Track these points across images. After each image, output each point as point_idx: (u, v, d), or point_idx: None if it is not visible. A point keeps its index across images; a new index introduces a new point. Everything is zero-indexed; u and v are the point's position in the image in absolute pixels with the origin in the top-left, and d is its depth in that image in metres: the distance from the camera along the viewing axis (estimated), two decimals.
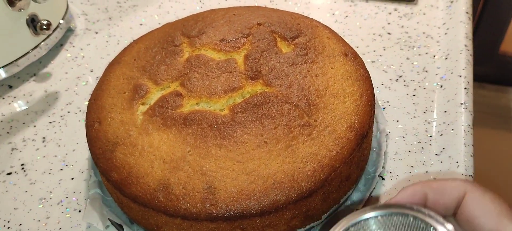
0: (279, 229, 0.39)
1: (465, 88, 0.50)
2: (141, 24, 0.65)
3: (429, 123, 0.48)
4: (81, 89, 0.57)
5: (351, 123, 0.40)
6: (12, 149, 0.51)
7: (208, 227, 0.37)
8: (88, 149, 0.45)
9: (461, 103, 0.49)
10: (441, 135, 0.47)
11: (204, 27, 0.49)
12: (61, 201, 0.46)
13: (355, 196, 0.43)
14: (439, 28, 0.59)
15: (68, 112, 0.54)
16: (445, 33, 0.58)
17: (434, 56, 0.55)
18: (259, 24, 0.49)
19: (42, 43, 0.59)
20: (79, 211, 0.45)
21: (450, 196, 0.29)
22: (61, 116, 0.54)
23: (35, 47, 0.58)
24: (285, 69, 0.44)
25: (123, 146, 0.40)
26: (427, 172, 0.44)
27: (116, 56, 0.49)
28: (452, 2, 0.62)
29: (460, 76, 0.52)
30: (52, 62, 0.61)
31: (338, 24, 0.61)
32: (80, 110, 0.54)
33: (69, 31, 0.64)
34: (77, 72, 0.59)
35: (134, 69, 0.46)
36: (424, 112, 0.49)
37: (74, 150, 0.50)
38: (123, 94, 0.44)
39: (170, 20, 0.53)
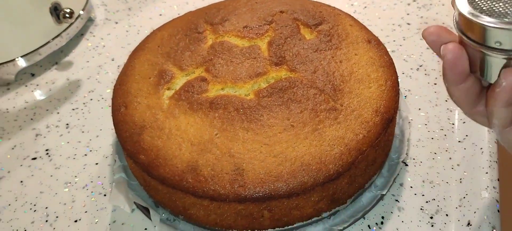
0: (305, 212, 0.39)
1: None
2: (160, 15, 0.65)
3: (451, 111, 0.49)
4: (102, 77, 0.57)
5: (377, 107, 0.40)
6: (37, 135, 0.51)
7: (235, 209, 0.38)
8: (113, 133, 0.46)
9: None
10: (464, 122, 0.47)
11: (226, 15, 0.49)
12: (86, 185, 0.46)
13: (379, 181, 0.43)
14: None
15: (91, 99, 0.54)
16: None
17: None
18: (281, 11, 0.49)
19: (63, 33, 0.60)
20: (104, 195, 0.45)
21: None
22: (84, 103, 0.54)
23: (57, 36, 0.59)
24: (309, 55, 0.44)
25: (150, 129, 0.41)
26: (450, 158, 0.44)
27: (140, 43, 0.50)
28: None
29: None
30: (73, 51, 0.61)
31: (357, 14, 0.61)
32: (102, 98, 0.54)
33: (90, 21, 0.65)
34: (98, 61, 0.59)
35: (158, 56, 0.47)
36: (446, 100, 0.50)
37: (97, 136, 0.50)
38: (148, 79, 0.45)
39: (189, 10, 0.53)
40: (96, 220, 0.43)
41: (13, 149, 0.50)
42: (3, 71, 0.56)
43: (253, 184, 0.37)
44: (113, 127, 0.43)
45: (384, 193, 0.42)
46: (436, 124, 0.47)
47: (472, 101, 0.31)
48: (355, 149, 0.38)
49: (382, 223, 0.41)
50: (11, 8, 0.54)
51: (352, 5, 0.63)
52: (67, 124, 0.52)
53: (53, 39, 0.59)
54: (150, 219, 0.41)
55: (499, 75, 0.29)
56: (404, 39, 0.57)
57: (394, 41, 0.57)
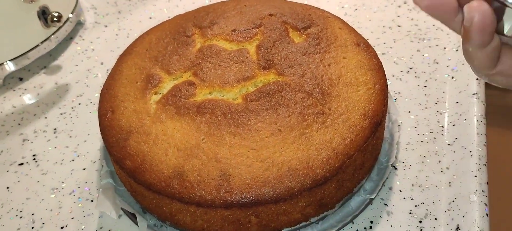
0: (293, 217, 0.39)
1: (477, 79, 0.50)
2: (150, 18, 0.65)
3: (441, 113, 0.48)
4: (91, 81, 0.57)
5: (365, 111, 0.40)
6: (24, 140, 0.51)
7: (222, 215, 0.37)
8: (101, 138, 0.46)
9: (474, 94, 0.49)
10: (454, 125, 0.47)
11: (215, 18, 0.49)
12: (73, 191, 0.46)
13: (368, 185, 0.43)
14: None
15: (79, 104, 0.54)
16: None
17: (445, 48, 0.55)
18: (270, 15, 0.49)
19: (52, 36, 0.59)
20: (91, 201, 0.45)
21: None
22: (72, 108, 0.54)
23: (45, 40, 0.59)
24: (297, 58, 0.44)
25: (136, 134, 0.40)
26: (439, 161, 0.44)
27: (128, 47, 0.50)
28: None
29: None
30: (62, 55, 0.61)
31: (348, 17, 0.61)
32: (91, 102, 0.54)
33: (79, 24, 0.65)
34: (87, 64, 0.59)
35: (146, 60, 0.46)
36: (436, 103, 0.49)
37: (85, 141, 0.50)
38: (136, 84, 0.44)
39: (179, 14, 0.53)
40: (83, 227, 0.43)
41: (0, 154, 0.50)
42: None
43: (240, 189, 0.36)
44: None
45: (373, 197, 0.41)
46: (425, 127, 0.47)
47: (495, 61, 0.28)
48: (343, 153, 0.38)
49: (371, 227, 0.40)
50: None
51: (342, 7, 0.63)
52: (54, 129, 0.52)
53: (41, 42, 0.58)
54: (137, 225, 0.41)
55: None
56: (394, 42, 0.57)
57: (384, 43, 0.57)
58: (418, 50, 0.56)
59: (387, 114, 0.48)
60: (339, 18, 0.49)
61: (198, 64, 0.45)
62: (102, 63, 0.59)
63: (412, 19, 0.60)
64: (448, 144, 0.45)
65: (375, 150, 0.43)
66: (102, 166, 0.46)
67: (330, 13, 0.50)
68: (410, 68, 0.53)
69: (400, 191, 0.43)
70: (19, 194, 0.46)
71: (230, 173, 0.37)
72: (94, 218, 0.43)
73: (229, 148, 0.38)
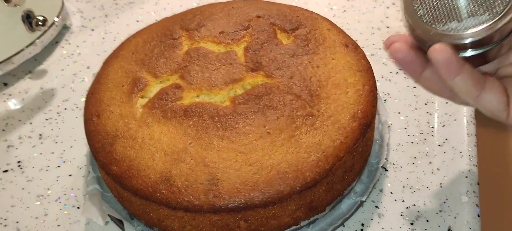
0: (283, 221, 0.38)
1: None
2: (137, 21, 0.64)
3: (430, 114, 0.48)
4: (77, 86, 0.56)
5: (354, 113, 0.39)
6: (8, 146, 0.50)
7: (210, 219, 0.37)
8: (87, 144, 0.45)
9: None
10: (443, 125, 0.47)
11: (202, 20, 0.48)
12: (59, 198, 0.45)
13: (359, 187, 0.42)
14: None
15: (65, 109, 0.53)
16: None
17: None
18: (258, 16, 0.48)
19: (37, 41, 0.58)
20: (78, 208, 0.44)
21: None
22: (58, 113, 0.53)
23: (30, 44, 0.58)
24: (286, 60, 0.43)
25: (122, 139, 0.39)
26: (430, 162, 0.44)
27: (114, 50, 0.49)
28: None
29: None
30: (47, 59, 0.60)
31: (337, 18, 0.61)
32: (77, 107, 0.53)
33: (65, 28, 0.64)
34: (73, 69, 0.58)
35: (132, 63, 0.46)
36: (425, 104, 0.49)
37: (71, 147, 0.49)
38: (122, 87, 0.44)
39: (166, 16, 0.52)
40: None
41: None
42: None
43: (228, 194, 0.36)
44: None
45: (363, 199, 0.41)
46: (415, 128, 0.47)
47: (477, 84, 0.31)
48: (332, 155, 0.37)
49: (362, 230, 0.40)
50: None
51: (331, 9, 0.63)
52: (40, 135, 0.51)
53: (26, 47, 0.57)
54: None
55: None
56: (383, 43, 0.57)
57: (373, 44, 0.57)
58: None
59: (376, 115, 0.47)
60: (327, 19, 0.49)
61: (185, 67, 0.44)
62: (88, 67, 0.58)
63: (400, 20, 0.60)
64: (439, 145, 0.45)
65: (365, 152, 0.42)
66: (89, 171, 0.45)
67: (319, 15, 0.49)
68: (400, 69, 0.53)
69: (391, 193, 0.42)
70: (3, 201, 0.45)
71: (219, 177, 0.36)
72: (81, 225, 0.42)
73: (217, 152, 0.37)
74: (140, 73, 0.44)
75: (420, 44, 0.32)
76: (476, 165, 0.43)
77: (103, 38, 0.62)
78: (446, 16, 0.30)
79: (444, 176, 0.43)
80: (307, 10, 0.50)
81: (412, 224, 0.40)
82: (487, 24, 0.29)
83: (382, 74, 0.53)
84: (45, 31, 0.58)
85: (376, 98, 0.42)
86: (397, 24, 0.59)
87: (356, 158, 0.40)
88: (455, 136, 0.45)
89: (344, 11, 0.62)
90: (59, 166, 0.47)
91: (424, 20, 0.31)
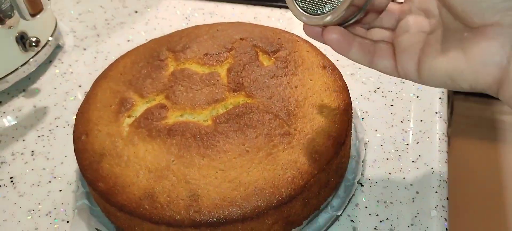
0: None
1: (440, 98, 0.53)
2: (128, 41, 0.67)
3: (406, 131, 0.50)
4: (69, 104, 0.58)
5: (329, 132, 0.42)
6: (1, 163, 0.52)
7: None
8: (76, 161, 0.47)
9: (436, 112, 0.51)
10: (417, 142, 0.49)
11: (188, 42, 0.51)
12: (50, 212, 0.47)
13: (335, 202, 0.44)
14: None
15: (57, 126, 0.55)
16: None
17: None
18: (241, 39, 0.50)
19: (31, 60, 0.60)
20: (67, 222, 0.46)
21: None
22: (50, 130, 0.55)
23: (24, 64, 0.60)
24: (266, 81, 0.46)
25: (109, 157, 0.42)
26: (404, 178, 0.46)
27: (103, 71, 0.51)
28: None
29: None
30: (41, 78, 0.62)
31: None
32: (68, 124, 0.55)
33: (58, 48, 0.66)
34: (65, 87, 0.60)
35: (120, 83, 0.48)
36: (401, 121, 0.51)
37: (62, 163, 0.51)
38: (110, 107, 0.46)
39: (157, 37, 0.55)
40: None
41: None
42: None
43: (208, 209, 0.38)
44: None
45: (339, 213, 0.43)
46: (391, 145, 0.49)
47: (367, 53, 0.36)
48: (307, 172, 0.39)
49: None
50: None
51: None
52: (32, 151, 0.53)
53: (20, 66, 0.59)
54: None
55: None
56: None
57: (353, 64, 0.59)
58: None
59: (354, 133, 0.50)
60: (307, 41, 0.51)
61: (170, 87, 0.46)
62: (80, 86, 0.60)
63: None
64: (412, 161, 0.47)
65: (341, 169, 0.44)
66: (78, 187, 0.47)
67: (299, 37, 0.52)
68: (378, 88, 0.56)
69: (366, 207, 0.44)
70: None
71: (199, 194, 0.38)
72: None
73: (198, 169, 0.40)
74: (127, 94, 0.46)
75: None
76: (445, 181, 0.45)
77: (95, 57, 0.65)
78: (319, 2, 0.35)
79: (416, 191, 0.45)
80: (288, 33, 0.52)
81: None
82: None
83: (361, 93, 0.55)
84: (38, 51, 0.61)
85: (350, 117, 0.44)
86: None
87: (330, 174, 0.42)
88: (428, 152, 0.48)
89: None
90: (50, 182, 0.49)
91: (308, 10, 0.36)
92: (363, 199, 0.45)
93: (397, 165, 0.47)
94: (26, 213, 0.47)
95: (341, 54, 0.36)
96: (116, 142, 0.42)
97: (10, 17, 0.54)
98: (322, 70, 0.47)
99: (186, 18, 0.70)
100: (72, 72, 0.63)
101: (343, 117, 0.43)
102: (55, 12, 0.73)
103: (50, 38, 0.63)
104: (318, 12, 0.35)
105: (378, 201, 0.45)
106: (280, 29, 0.53)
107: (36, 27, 0.60)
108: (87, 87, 0.59)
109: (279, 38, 0.50)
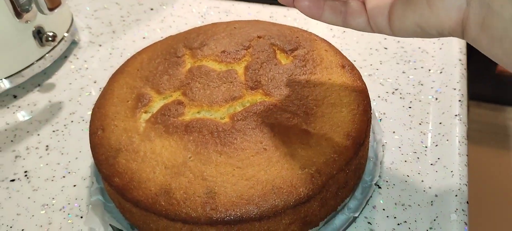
0: None
1: (460, 100, 0.52)
2: (144, 38, 0.66)
3: (424, 134, 0.50)
4: (84, 99, 0.58)
5: (349, 131, 0.41)
6: (16, 157, 0.52)
7: None
8: (91, 156, 0.46)
9: (456, 115, 0.50)
10: (436, 145, 0.48)
11: (205, 40, 0.51)
12: (63, 207, 0.46)
13: (352, 203, 0.44)
14: (434, 43, 0.61)
15: (72, 121, 0.55)
16: (440, 48, 0.60)
17: (429, 70, 0.57)
18: (259, 37, 0.50)
19: (47, 55, 0.60)
20: (81, 217, 0.45)
21: None
22: (65, 125, 0.55)
23: (40, 59, 0.60)
24: (284, 79, 0.45)
25: (125, 152, 0.41)
26: (422, 181, 0.45)
27: (120, 66, 0.51)
28: None
29: (455, 89, 0.53)
30: (56, 73, 0.62)
31: (336, 39, 0.63)
32: (83, 120, 0.55)
33: (74, 43, 0.66)
34: (80, 83, 0.60)
35: (137, 79, 0.48)
36: (420, 124, 0.51)
37: (76, 158, 0.51)
38: (126, 102, 0.46)
39: (172, 34, 0.55)
40: None
41: None
42: None
43: (225, 207, 0.37)
44: None
45: (356, 215, 0.42)
46: (409, 147, 0.48)
47: (339, 15, 0.37)
48: (326, 172, 0.39)
49: None
50: None
51: (331, 29, 0.65)
52: (47, 146, 0.53)
53: (36, 61, 0.59)
54: None
55: None
56: (380, 63, 0.59)
57: (371, 65, 0.58)
58: (403, 72, 0.57)
59: (372, 134, 0.49)
60: (325, 40, 0.51)
61: (187, 84, 0.46)
62: (95, 82, 0.60)
63: (398, 41, 0.62)
64: (431, 164, 0.47)
65: (359, 169, 0.44)
66: (92, 182, 0.47)
67: (317, 36, 0.51)
68: (396, 90, 0.55)
69: (384, 209, 0.44)
70: (9, 210, 0.47)
71: (216, 191, 0.38)
72: None
73: (215, 166, 0.39)
74: (144, 90, 0.46)
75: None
76: (466, 184, 0.44)
77: (110, 53, 0.64)
78: None
79: (435, 194, 0.44)
80: (306, 31, 0.52)
81: None
82: None
83: (379, 94, 0.54)
84: (54, 46, 0.61)
85: (370, 118, 0.44)
86: (395, 46, 0.61)
87: (349, 175, 0.41)
88: (447, 155, 0.47)
89: (344, 32, 0.64)
90: (64, 177, 0.49)
91: None
92: (381, 201, 0.44)
93: (416, 167, 0.47)
94: (39, 207, 0.47)
95: (314, 19, 0.37)
96: (133, 137, 0.42)
97: (27, 11, 0.54)
98: (341, 70, 0.46)
99: (202, 16, 0.69)
100: (87, 68, 0.62)
101: (362, 116, 0.42)
102: (71, 8, 0.73)
103: (65, 34, 0.63)
104: None
105: (396, 204, 0.44)
106: (297, 27, 0.53)
107: (52, 23, 0.60)
108: (102, 83, 0.59)
109: (297, 37, 0.50)
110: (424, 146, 0.48)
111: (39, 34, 0.58)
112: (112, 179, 0.40)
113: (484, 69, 1.49)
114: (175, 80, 0.46)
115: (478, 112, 1.54)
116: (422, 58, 0.59)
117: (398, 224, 0.42)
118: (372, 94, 0.53)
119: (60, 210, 0.46)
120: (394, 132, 0.50)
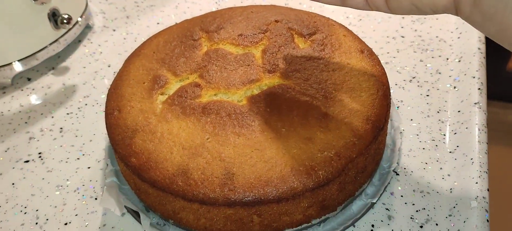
0: (295, 218, 0.39)
1: (479, 88, 0.51)
2: (158, 23, 0.66)
3: (442, 122, 0.49)
4: (98, 83, 0.58)
5: (368, 116, 0.40)
6: (30, 138, 0.51)
7: (225, 213, 0.38)
8: (106, 138, 0.46)
9: (475, 103, 0.49)
10: (455, 133, 0.47)
11: (222, 23, 0.50)
12: (78, 189, 0.46)
13: (370, 190, 0.43)
14: (452, 32, 0.60)
15: (86, 104, 0.55)
16: (458, 37, 0.59)
17: (447, 59, 0.56)
18: (276, 21, 0.49)
19: (61, 39, 0.60)
20: (95, 199, 0.45)
21: None
22: (79, 108, 0.54)
23: (54, 42, 0.60)
24: (302, 63, 0.44)
25: (142, 133, 0.41)
26: (441, 168, 0.45)
27: (136, 49, 0.50)
28: None
29: (474, 77, 0.52)
30: (70, 57, 0.62)
31: (352, 26, 0.62)
32: (97, 103, 0.55)
33: (87, 28, 0.66)
34: (94, 67, 0.60)
35: (153, 61, 0.47)
36: (438, 111, 0.50)
37: (91, 140, 0.51)
38: (143, 84, 0.45)
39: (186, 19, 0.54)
40: (86, 224, 0.43)
41: (6, 151, 0.50)
42: None
43: (243, 188, 0.37)
44: (106, 131, 0.43)
45: (374, 201, 0.42)
46: (427, 135, 0.48)
47: None
48: (345, 156, 0.38)
49: None
50: (9, 12, 0.55)
51: (347, 17, 0.64)
52: (61, 128, 0.52)
53: (50, 44, 0.59)
54: (140, 223, 0.41)
55: None
56: (398, 51, 0.58)
57: (388, 53, 0.58)
58: (421, 60, 0.56)
59: (389, 121, 0.48)
60: (343, 26, 0.50)
61: (204, 66, 0.45)
62: (109, 66, 0.60)
63: (415, 30, 0.61)
64: (450, 152, 0.46)
65: (377, 155, 0.43)
66: (107, 164, 0.46)
67: (335, 21, 0.51)
68: (413, 78, 0.54)
69: (402, 196, 0.43)
70: (24, 190, 0.46)
71: (234, 172, 0.37)
72: (98, 216, 0.44)
73: (233, 148, 0.39)
74: (161, 71, 0.46)
75: None
76: (486, 172, 0.43)
77: (124, 38, 0.64)
78: None
79: (454, 182, 0.43)
80: (324, 17, 0.51)
81: (421, 227, 0.40)
82: None
83: (396, 82, 0.54)
84: (69, 30, 0.61)
85: (389, 103, 0.43)
86: (412, 34, 0.60)
87: (368, 160, 0.41)
88: (466, 143, 0.46)
89: (360, 19, 0.63)
90: (78, 159, 0.49)
91: None
92: (399, 188, 0.44)
93: (434, 155, 0.46)
94: (54, 188, 0.46)
95: (315, 0, 0.37)
96: (149, 118, 0.42)
97: None
98: (360, 55, 0.46)
99: (216, 2, 0.69)
100: (101, 52, 0.62)
101: (382, 101, 0.42)
102: None
103: (80, 19, 0.63)
104: None
105: (414, 191, 0.43)
106: (315, 13, 0.52)
107: (67, 7, 0.60)
108: (116, 67, 0.59)
109: (315, 22, 0.49)
110: (442, 133, 0.48)
111: (54, 17, 0.57)
112: (128, 159, 0.40)
113: (495, 67, 1.48)
114: (192, 63, 0.46)
115: (488, 110, 1.52)
116: (439, 47, 0.58)
117: (417, 211, 0.42)
118: (389, 83, 0.52)
119: (75, 191, 0.46)
120: (411, 120, 0.50)
